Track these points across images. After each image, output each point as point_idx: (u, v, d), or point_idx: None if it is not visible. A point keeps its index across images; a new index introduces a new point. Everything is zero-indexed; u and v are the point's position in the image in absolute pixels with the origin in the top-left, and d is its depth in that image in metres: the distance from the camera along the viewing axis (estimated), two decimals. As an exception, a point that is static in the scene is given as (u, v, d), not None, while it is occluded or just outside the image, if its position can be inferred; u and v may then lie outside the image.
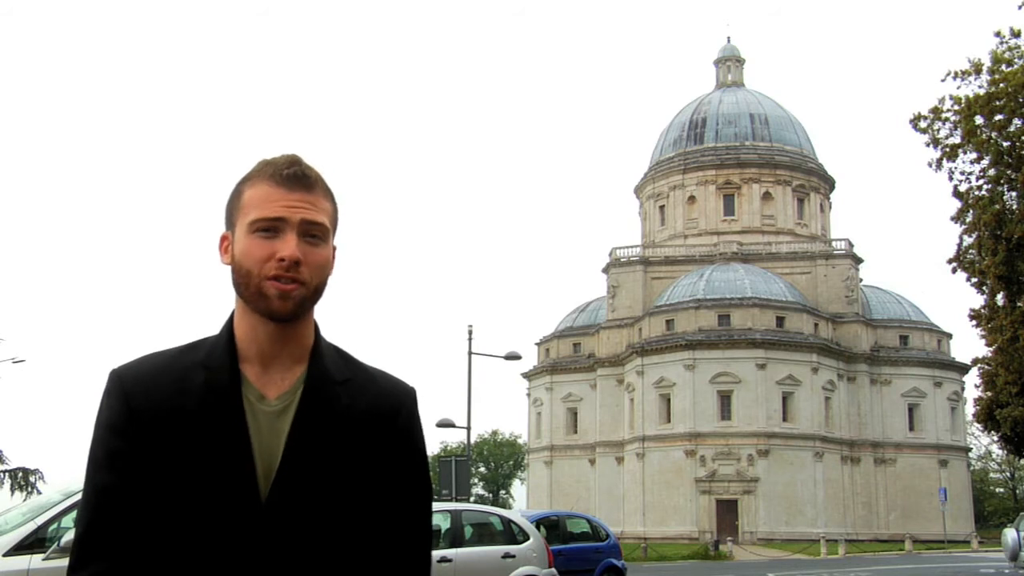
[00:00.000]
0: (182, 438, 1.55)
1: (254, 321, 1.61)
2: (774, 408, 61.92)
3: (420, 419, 1.75)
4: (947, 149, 27.16)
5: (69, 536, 7.43)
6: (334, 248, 1.68)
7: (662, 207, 75.13)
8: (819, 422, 63.15)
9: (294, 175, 1.61)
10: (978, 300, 28.93)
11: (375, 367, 1.76)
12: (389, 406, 1.68)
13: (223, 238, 1.66)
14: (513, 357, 33.70)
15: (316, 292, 1.61)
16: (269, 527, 1.54)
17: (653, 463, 63.47)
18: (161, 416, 1.57)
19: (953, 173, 27.52)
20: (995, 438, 47.72)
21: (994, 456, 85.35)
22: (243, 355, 1.62)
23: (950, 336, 70.75)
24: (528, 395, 76.55)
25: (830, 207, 77.19)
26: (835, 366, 65.05)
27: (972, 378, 49.21)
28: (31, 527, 7.97)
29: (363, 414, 1.64)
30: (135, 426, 1.57)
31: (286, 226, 1.58)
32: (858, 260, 70.05)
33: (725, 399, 62.18)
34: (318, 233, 1.61)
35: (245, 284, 1.59)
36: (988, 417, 30.76)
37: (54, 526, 8.06)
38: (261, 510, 1.55)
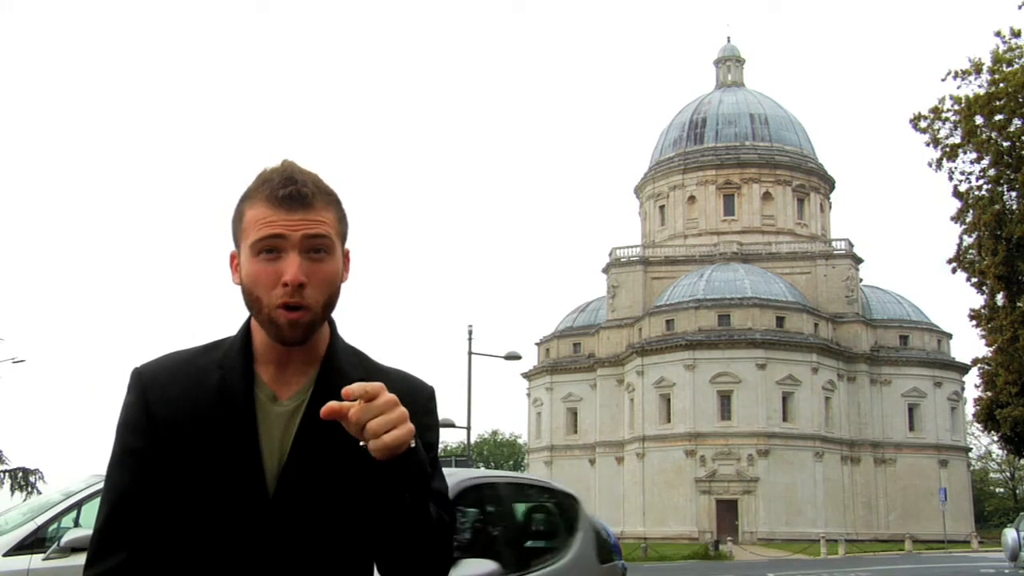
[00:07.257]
0: (195, 437, 1.59)
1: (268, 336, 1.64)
2: (774, 408, 61.92)
3: (436, 416, 1.74)
4: (947, 149, 27.18)
5: (69, 536, 7.45)
6: (347, 252, 1.67)
7: (662, 207, 75.14)
8: (819, 422, 63.14)
9: (290, 196, 1.58)
10: (978, 300, 28.96)
11: (394, 367, 1.76)
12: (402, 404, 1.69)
13: (232, 256, 1.66)
14: (513, 357, 33.76)
15: (326, 308, 1.61)
16: (275, 524, 1.58)
17: (653, 463, 63.49)
18: (176, 415, 1.61)
19: (953, 173, 27.55)
20: (995, 438, 47.68)
21: (994, 456, 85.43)
22: (259, 357, 1.65)
23: (950, 336, 70.75)
24: (528, 395, 76.55)
25: (830, 207, 77.19)
26: (835, 366, 65.04)
27: (972, 378, 49.28)
28: (31, 527, 7.95)
29: None
30: (151, 424, 1.61)
31: (287, 244, 1.57)
32: (858, 260, 70.04)
33: (725, 399, 62.19)
34: (322, 246, 1.59)
35: (256, 310, 1.60)
36: (988, 417, 30.73)
37: (54, 526, 8.05)
38: (268, 507, 1.58)
